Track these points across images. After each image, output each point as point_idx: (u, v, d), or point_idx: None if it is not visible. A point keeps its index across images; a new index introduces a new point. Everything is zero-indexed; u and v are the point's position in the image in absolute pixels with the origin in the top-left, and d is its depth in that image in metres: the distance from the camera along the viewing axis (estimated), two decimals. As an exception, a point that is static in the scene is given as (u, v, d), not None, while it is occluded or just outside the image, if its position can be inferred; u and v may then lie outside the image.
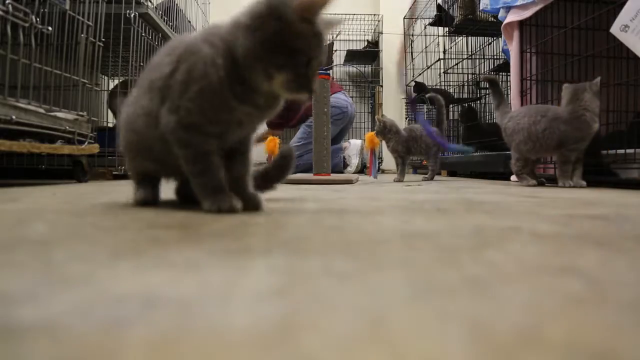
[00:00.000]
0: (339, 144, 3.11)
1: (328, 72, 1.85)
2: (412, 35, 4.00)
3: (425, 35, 3.75)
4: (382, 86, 4.27)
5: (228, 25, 0.59)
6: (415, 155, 2.12)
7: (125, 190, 0.96)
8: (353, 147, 3.17)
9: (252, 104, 0.60)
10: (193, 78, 0.58)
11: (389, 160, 4.29)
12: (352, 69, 4.37)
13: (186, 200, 0.75)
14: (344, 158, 3.13)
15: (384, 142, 2.08)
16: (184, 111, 0.59)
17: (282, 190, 0.71)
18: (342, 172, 3.01)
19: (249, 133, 0.67)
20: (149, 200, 0.72)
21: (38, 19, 1.32)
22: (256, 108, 0.61)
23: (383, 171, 4.06)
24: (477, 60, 3.31)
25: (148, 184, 0.74)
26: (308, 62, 0.57)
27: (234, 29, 0.58)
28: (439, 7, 3.16)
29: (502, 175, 2.05)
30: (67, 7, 1.49)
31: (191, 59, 0.59)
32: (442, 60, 3.54)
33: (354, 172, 3.03)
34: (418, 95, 3.69)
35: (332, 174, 1.86)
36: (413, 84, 3.81)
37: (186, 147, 0.60)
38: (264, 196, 0.69)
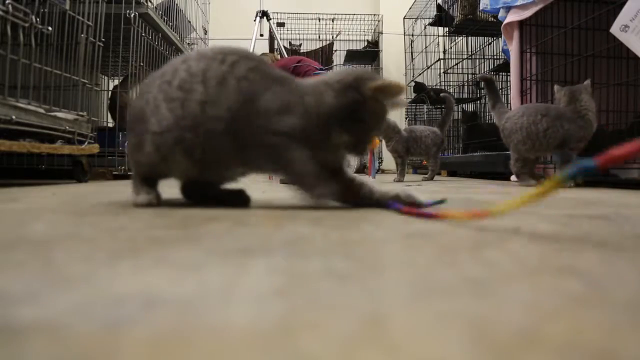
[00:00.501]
0: None
1: (327, 72, 1.85)
2: (412, 35, 4.00)
3: (425, 35, 3.75)
4: (382, 86, 4.27)
5: (317, 84, 0.68)
6: (414, 155, 2.13)
7: (125, 190, 0.96)
8: None
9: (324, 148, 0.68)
10: (301, 115, 0.65)
11: (389, 161, 4.29)
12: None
13: (190, 198, 0.77)
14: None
15: (383, 142, 2.08)
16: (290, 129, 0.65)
17: (281, 190, 0.71)
18: None
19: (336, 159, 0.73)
20: (154, 203, 0.70)
21: (38, 19, 1.32)
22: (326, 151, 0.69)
23: (383, 171, 4.06)
24: (477, 60, 3.31)
25: (152, 186, 0.73)
26: (369, 131, 0.68)
27: (324, 86, 0.67)
28: (439, 7, 3.16)
29: (502, 175, 2.05)
30: (67, 7, 1.49)
31: (299, 103, 0.66)
32: (442, 60, 3.54)
33: (354, 173, 3.01)
34: (418, 95, 3.69)
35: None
36: (413, 84, 3.81)
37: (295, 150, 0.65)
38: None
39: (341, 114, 0.65)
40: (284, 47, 3.54)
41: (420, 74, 3.79)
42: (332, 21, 4.28)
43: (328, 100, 0.66)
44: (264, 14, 3.37)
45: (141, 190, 0.71)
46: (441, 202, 0.72)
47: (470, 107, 3.40)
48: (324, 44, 4.27)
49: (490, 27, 2.70)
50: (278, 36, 3.59)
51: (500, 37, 2.31)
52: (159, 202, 0.72)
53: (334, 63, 4.12)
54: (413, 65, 3.98)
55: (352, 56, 4.24)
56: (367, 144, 0.70)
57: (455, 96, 3.53)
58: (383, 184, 1.68)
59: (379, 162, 3.98)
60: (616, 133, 1.66)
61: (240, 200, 0.76)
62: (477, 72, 3.29)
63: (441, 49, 3.58)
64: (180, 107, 0.65)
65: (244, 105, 0.65)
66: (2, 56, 1.24)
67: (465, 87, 3.58)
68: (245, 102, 0.65)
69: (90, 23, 1.60)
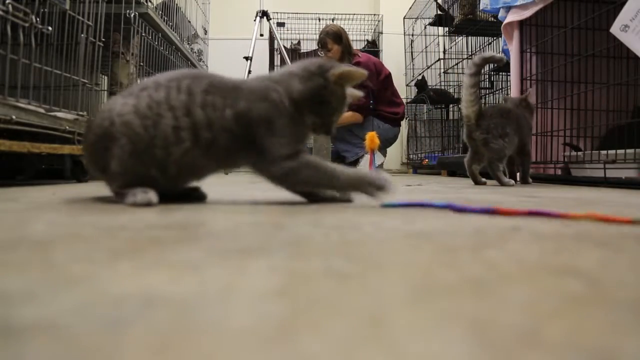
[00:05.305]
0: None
1: None
2: (412, 35, 4.00)
3: (425, 35, 3.75)
4: (382, 86, 4.27)
5: (281, 74, 0.77)
6: None
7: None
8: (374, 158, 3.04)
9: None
10: (271, 119, 0.72)
11: (388, 160, 4.29)
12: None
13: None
14: (360, 160, 3.02)
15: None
16: (280, 147, 0.72)
17: (281, 190, 0.71)
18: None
19: None
20: (153, 202, 0.69)
21: (38, 19, 1.32)
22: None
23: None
24: (477, 60, 3.30)
25: (144, 186, 0.71)
26: (333, 113, 0.77)
27: (288, 77, 0.76)
28: (439, 7, 3.16)
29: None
30: (67, 7, 1.49)
31: (261, 105, 0.72)
32: (442, 60, 3.54)
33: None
34: (418, 95, 3.69)
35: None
36: (412, 84, 3.81)
37: (296, 173, 0.72)
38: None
39: (308, 97, 0.74)
40: (284, 47, 3.54)
41: (420, 74, 3.78)
42: (332, 21, 4.28)
43: (296, 86, 0.74)
44: (264, 14, 3.37)
45: (135, 191, 0.70)
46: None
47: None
48: (324, 44, 4.27)
49: (490, 27, 2.70)
50: (278, 36, 3.59)
51: (500, 37, 2.31)
52: (157, 201, 0.70)
53: (334, 63, 4.11)
54: (413, 65, 3.98)
55: (352, 56, 4.23)
56: (333, 123, 0.78)
57: (455, 96, 3.53)
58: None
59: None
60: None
61: (197, 197, 0.82)
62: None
63: (441, 49, 3.58)
64: (152, 126, 0.70)
65: (221, 128, 0.71)
66: (2, 56, 1.24)
67: (465, 87, 3.58)
68: (220, 126, 0.71)
69: (90, 23, 1.60)
